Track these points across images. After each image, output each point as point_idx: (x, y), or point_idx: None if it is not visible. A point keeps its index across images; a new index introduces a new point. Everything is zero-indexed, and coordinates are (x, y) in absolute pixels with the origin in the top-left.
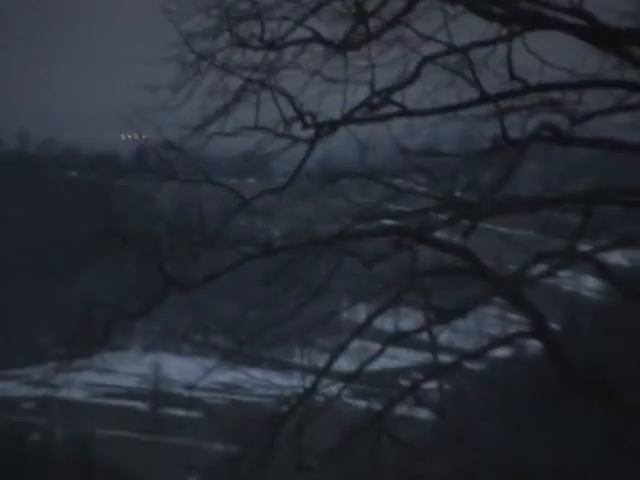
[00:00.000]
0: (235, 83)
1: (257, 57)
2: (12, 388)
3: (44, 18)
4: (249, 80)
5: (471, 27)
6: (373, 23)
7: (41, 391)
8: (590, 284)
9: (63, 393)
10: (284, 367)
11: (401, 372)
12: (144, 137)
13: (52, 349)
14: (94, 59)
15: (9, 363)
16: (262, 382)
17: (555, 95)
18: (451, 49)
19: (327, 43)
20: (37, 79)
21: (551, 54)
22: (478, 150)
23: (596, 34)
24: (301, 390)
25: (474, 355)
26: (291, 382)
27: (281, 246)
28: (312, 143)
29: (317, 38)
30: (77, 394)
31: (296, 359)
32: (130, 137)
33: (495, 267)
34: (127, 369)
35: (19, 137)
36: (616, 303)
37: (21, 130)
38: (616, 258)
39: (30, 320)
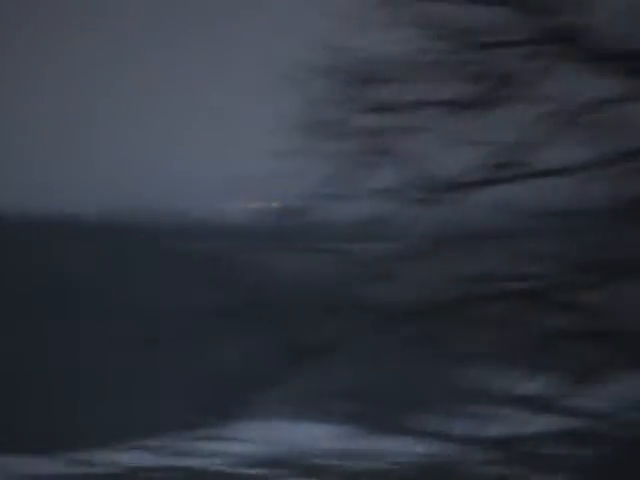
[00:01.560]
0: (359, 147)
1: (381, 120)
2: (148, 458)
3: (169, 88)
4: (373, 143)
5: None
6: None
7: (177, 461)
8: None
9: (198, 462)
10: (423, 435)
11: (543, 438)
12: (267, 205)
13: (187, 419)
14: (217, 127)
15: (143, 433)
16: (400, 450)
17: None
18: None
19: (452, 103)
20: (158, 148)
21: None
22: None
23: None
24: (441, 459)
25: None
26: (431, 450)
27: (410, 312)
28: (437, 206)
29: (442, 99)
30: (212, 463)
31: (436, 426)
32: (254, 205)
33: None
34: (261, 437)
35: (145, 210)
36: None
37: (147, 202)
38: None
39: (165, 391)
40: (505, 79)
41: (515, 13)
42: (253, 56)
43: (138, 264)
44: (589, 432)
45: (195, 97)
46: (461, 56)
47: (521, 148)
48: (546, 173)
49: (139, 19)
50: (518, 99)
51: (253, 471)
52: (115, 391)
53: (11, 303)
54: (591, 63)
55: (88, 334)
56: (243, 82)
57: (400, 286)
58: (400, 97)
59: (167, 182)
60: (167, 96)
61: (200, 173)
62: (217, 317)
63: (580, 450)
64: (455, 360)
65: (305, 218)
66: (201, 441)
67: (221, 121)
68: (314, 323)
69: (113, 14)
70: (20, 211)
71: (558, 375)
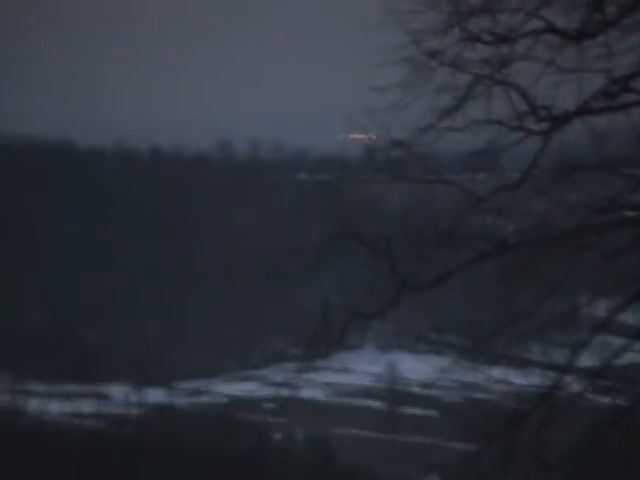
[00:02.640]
0: (466, 79)
1: (488, 51)
2: (252, 389)
3: (268, 20)
4: (480, 75)
5: None
6: (610, 9)
7: (281, 391)
8: None
9: (302, 393)
10: (523, 365)
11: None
12: (373, 137)
13: (289, 351)
14: (322, 61)
15: (248, 364)
16: (500, 380)
17: None
18: None
19: (561, 33)
20: (265, 82)
21: None
22: None
23: None
24: (542, 388)
25: None
26: (531, 380)
27: (516, 243)
28: (546, 136)
29: (551, 28)
30: (315, 394)
31: (535, 356)
32: (359, 138)
33: None
34: (363, 368)
35: (250, 143)
36: None
37: (252, 135)
38: None
39: (267, 323)
40: (620, 5)
41: None
42: None
43: (249, 195)
44: None
45: (299, 30)
46: None
47: (632, 75)
48: None
49: None
50: (632, 25)
51: (355, 401)
52: (220, 323)
53: (121, 230)
54: None
55: (195, 265)
56: (347, 16)
57: (511, 217)
58: (511, 27)
59: (276, 116)
60: (273, 32)
61: (306, 107)
62: (324, 248)
63: None
64: (561, 289)
65: (414, 150)
66: (306, 372)
67: (327, 56)
68: (422, 255)
69: None
70: (134, 146)
71: None
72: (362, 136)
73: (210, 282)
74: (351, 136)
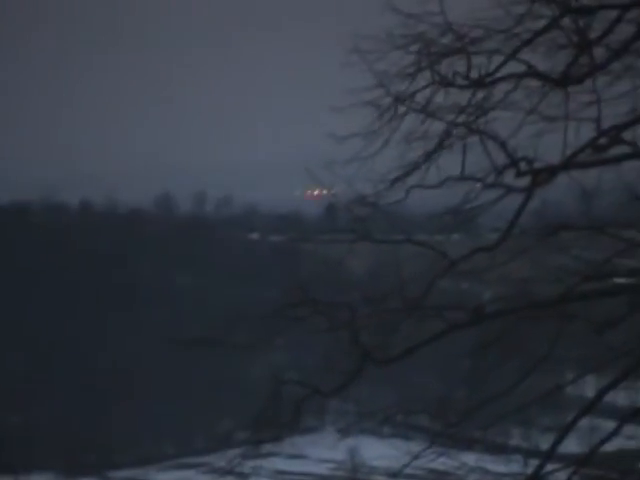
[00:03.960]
0: (438, 128)
1: (462, 97)
2: (193, 476)
3: (216, 62)
4: (454, 123)
5: None
6: (598, 52)
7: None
8: None
9: None
10: (501, 450)
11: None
12: (333, 193)
13: (236, 433)
14: (275, 107)
15: (189, 450)
16: (476, 468)
17: None
18: None
19: (544, 77)
20: (211, 133)
21: None
22: None
23: None
24: (522, 476)
25: None
26: (510, 467)
27: (493, 311)
28: (528, 192)
29: (532, 72)
30: None
31: (515, 441)
32: (317, 193)
33: None
34: (320, 454)
35: (195, 198)
36: None
37: (197, 190)
38: None
39: (211, 402)
40: (610, 48)
41: None
42: (319, 25)
43: (194, 257)
44: None
45: (252, 77)
46: (561, 22)
47: (623, 125)
48: None
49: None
50: (622, 70)
51: None
52: (159, 402)
53: (69, 294)
54: None
55: (130, 334)
56: (306, 57)
57: (488, 282)
58: (488, 70)
59: (224, 168)
60: (221, 73)
61: (259, 160)
62: (277, 317)
63: None
64: (543, 365)
65: (380, 207)
66: (254, 458)
67: (281, 101)
68: (388, 325)
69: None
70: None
71: None
72: (321, 191)
73: (147, 354)
74: (308, 192)
